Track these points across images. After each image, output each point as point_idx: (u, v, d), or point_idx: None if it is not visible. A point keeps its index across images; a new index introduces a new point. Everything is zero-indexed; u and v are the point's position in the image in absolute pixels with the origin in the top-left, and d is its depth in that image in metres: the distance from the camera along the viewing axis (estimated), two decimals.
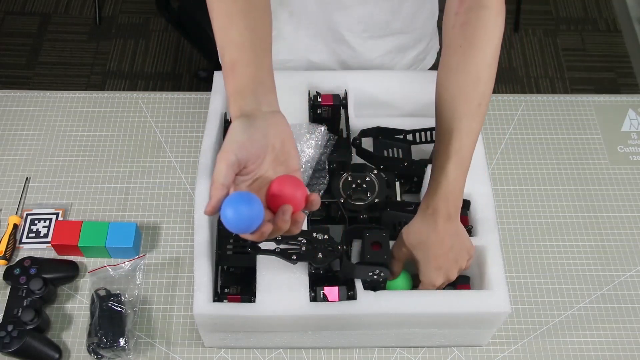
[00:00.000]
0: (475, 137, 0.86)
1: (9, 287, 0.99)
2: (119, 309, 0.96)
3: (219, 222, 0.91)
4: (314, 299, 0.86)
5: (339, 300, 0.86)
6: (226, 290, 0.89)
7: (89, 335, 0.96)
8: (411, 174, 1.01)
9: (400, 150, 1.03)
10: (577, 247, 1.08)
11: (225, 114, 1.02)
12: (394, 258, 0.90)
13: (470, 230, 0.93)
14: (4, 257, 1.03)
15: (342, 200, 0.92)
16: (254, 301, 0.86)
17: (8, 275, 1.00)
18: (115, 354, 0.95)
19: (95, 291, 0.98)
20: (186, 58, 2.43)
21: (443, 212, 0.85)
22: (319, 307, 0.85)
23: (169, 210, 1.11)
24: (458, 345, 0.98)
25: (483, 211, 0.94)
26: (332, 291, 0.87)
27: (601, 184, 1.15)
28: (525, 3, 2.55)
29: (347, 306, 0.86)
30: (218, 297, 0.88)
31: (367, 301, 0.86)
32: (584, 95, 1.26)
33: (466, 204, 0.94)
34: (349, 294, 0.87)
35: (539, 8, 2.61)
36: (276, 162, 0.73)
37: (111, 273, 1.01)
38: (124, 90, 2.32)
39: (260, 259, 0.88)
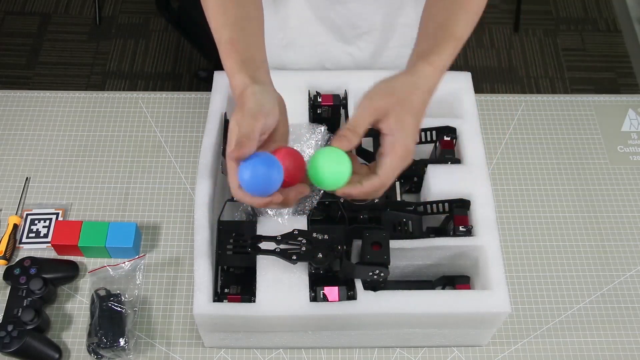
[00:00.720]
0: (472, 24, 0.84)
1: (9, 287, 0.99)
2: (119, 309, 0.96)
3: (219, 222, 0.91)
4: (314, 299, 0.86)
5: (339, 300, 0.86)
6: (226, 290, 0.89)
7: (89, 335, 0.96)
8: (411, 174, 1.01)
9: None
10: (577, 247, 1.08)
11: (225, 114, 1.02)
12: (363, 111, 0.73)
13: (470, 230, 0.93)
14: (4, 257, 1.03)
15: (342, 200, 0.92)
16: (254, 301, 0.86)
17: (8, 275, 1.00)
18: (115, 354, 0.95)
19: (95, 291, 0.98)
20: (186, 58, 2.43)
21: (432, 82, 0.76)
22: (319, 307, 0.85)
23: (169, 210, 1.11)
24: (458, 345, 0.98)
25: (483, 211, 0.94)
26: (332, 291, 0.86)
27: (601, 184, 1.15)
28: (525, 3, 2.55)
29: (347, 306, 0.86)
30: (218, 297, 0.88)
31: (367, 301, 0.86)
32: (584, 95, 1.26)
33: (466, 204, 0.94)
34: (349, 294, 0.87)
35: (539, 8, 2.61)
36: (271, 138, 0.74)
37: (111, 273, 1.01)
38: (124, 90, 2.32)
39: (260, 259, 0.88)
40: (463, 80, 1.06)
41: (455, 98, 1.06)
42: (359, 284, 0.87)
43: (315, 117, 1.03)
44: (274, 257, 0.85)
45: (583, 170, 1.17)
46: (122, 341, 0.94)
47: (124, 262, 1.02)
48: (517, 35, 2.52)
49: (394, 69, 1.11)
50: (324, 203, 0.93)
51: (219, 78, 1.05)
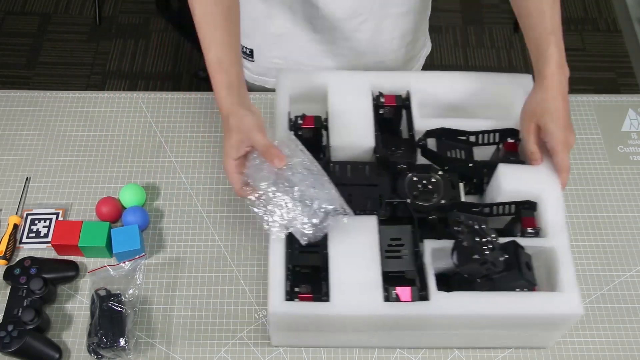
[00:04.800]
0: (559, 12, 0.95)
1: (9, 287, 0.99)
2: (119, 309, 0.96)
3: None
4: (386, 298, 0.85)
5: (411, 301, 0.85)
6: (296, 289, 0.88)
7: (89, 335, 0.96)
8: (472, 176, 1.00)
9: (462, 152, 1.02)
10: (577, 247, 1.08)
11: (289, 112, 1.01)
12: (527, 134, 0.94)
13: (538, 232, 0.92)
14: (4, 257, 1.03)
15: (408, 201, 0.91)
16: (327, 300, 0.85)
17: (8, 275, 1.00)
18: (115, 354, 0.95)
19: (95, 291, 0.98)
20: (186, 58, 2.43)
21: (559, 77, 0.91)
22: (393, 307, 0.85)
23: (169, 210, 1.11)
24: (523, 346, 0.98)
25: (552, 212, 0.93)
26: (404, 291, 0.86)
27: (601, 184, 1.15)
28: None
29: (421, 307, 0.85)
30: (289, 296, 0.87)
31: (441, 302, 0.85)
32: (584, 95, 1.26)
33: (533, 206, 0.93)
34: (421, 294, 0.86)
35: None
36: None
37: (111, 273, 1.01)
38: (124, 90, 2.32)
39: (333, 257, 0.87)
40: (524, 83, 1.05)
41: (516, 100, 1.04)
42: (431, 284, 0.86)
43: (378, 117, 1.02)
44: (346, 255, 0.86)
45: (583, 170, 1.16)
46: (122, 341, 0.94)
47: (124, 262, 1.02)
48: (517, 35, 2.52)
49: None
50: (392, 203, 0.92)
51: (283, 79, 1.04)
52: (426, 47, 1.29)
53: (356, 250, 0.88)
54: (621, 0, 2.57)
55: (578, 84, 2.38)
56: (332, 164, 0.96)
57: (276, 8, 1.08)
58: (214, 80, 0.90)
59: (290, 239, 0.90)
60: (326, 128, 0.99)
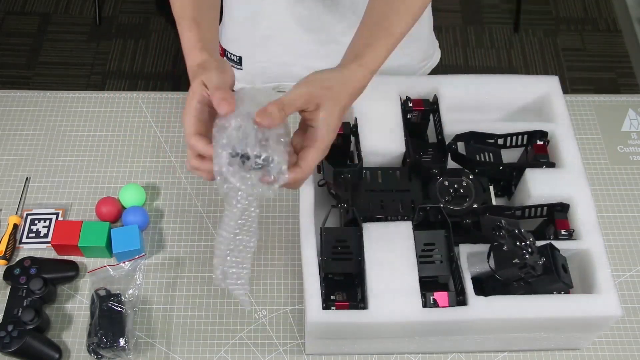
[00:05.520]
0: (411, 22, 0.84)
1: (9, 287, 0.99)
2: (119, 309, 0.96)
3: (322, 229, 0.90)
4: (424, 304, 0.85)
5: (449, 306, 0.85)
6: (332, 297, 0.88)
7: (89, 335, 0.96)
8: (500, 178, 1.00)
9: (491, 155, 1.02)
10: None
11: None
12: (296, 96, 0.73)
13: (571, 234, 0.92)
14: (4, 257, 1.03)
15: (441, 206, 0.91)
16: (363, 307, 0.85)
17: (8, 275, 1.00)
18: (115, 354, 0.95)
19: (95, 291, 0.98)
20: None
21: (364, 82, 0.80)
22: (431, 313, 0.85)
23: (169, 211, 1.11)
24: (559, 348, 0.98)
25: (583, 214, 0.92)
26: (442, 296, 0.85)
27: (601, 184, 1.15)
28: (525, 3, 2.55)
29: (459, 312, 0.85)
30: (326, 304, 0.86)
31: (479, 306, 0.85)
32: (584, 95, 1.26)
33: (565, 208, 0.93)
34: (459, 299, 0.86)
35: (539, 8, 2.61)
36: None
37: (111, 273, 1.01)
38: (124, 90, 2.33)
39: (369, 264, 0.87)
40: (551, 84, 1.05)
41: (543, 102, 1.05)
42: (469, 289, 0.86)
43: (406, 121, 1.01)
44: (382, 262, 0.85)
45: None
46: (122, 341, 0.94)
47: (124, 262, 1.02)
48: (517, 35, 2.52)
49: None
50: (425, 209, 0.92)
51: None
52: (433, 59, 1.26)
53: (393, 256, 0.88)
54: (621, 0, 2.57)
55: (578, 84, 2.39)
56: (364, 171, 0.95)
57: (266, 7, 1.08)
58: (186, 36, 0.78)
59: (323, 247, 0.89)
60: (355, 134, 0.99)
